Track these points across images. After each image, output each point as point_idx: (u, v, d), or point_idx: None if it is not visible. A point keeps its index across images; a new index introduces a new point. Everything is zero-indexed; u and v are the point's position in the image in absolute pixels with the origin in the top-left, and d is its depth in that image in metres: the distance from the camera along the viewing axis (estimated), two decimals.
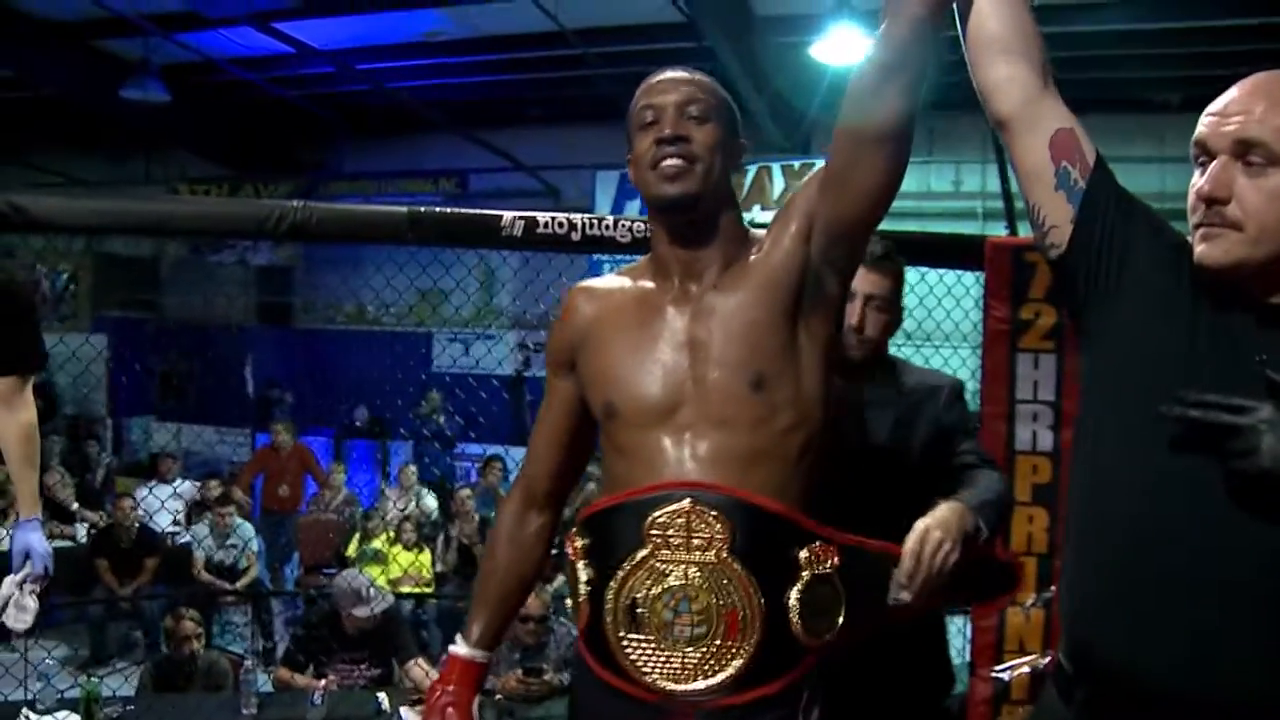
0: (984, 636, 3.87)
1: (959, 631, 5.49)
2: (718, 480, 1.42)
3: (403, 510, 7.45)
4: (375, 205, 3.71)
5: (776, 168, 9.86)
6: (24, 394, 2.50)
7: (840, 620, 1.46)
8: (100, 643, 6.31)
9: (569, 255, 4.91)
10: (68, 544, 7.06)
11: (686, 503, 1.41)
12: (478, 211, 3.34)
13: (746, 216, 8.22)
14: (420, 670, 4.05)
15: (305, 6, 7.96)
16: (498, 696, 4.12)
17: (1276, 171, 1.25)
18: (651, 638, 1.40)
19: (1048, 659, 3.72)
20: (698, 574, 1.39)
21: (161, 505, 7.37)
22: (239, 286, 12.44)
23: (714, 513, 1.40)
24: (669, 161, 1.47)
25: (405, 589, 6.58)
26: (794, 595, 1.41)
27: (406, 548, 6.79)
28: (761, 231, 1.56)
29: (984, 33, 1.44)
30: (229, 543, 6.70)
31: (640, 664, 1.41)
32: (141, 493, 7.34)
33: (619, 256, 3.75)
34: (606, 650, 1.44)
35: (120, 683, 4.86)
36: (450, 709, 1.60)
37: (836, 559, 1.45)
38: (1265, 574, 1.24)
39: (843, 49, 7.81)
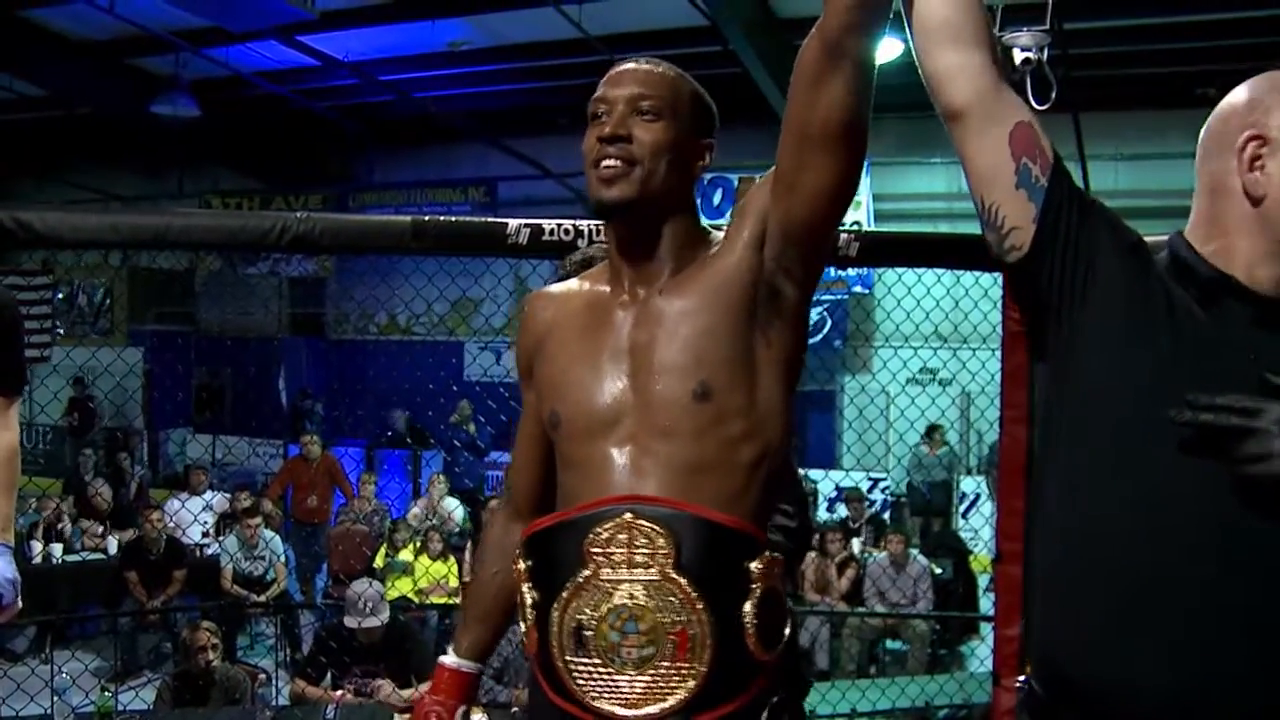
0: (1007, 646, 3.78)
1: (983, 641, 5.42)
2: (660, 493, 1.35)
3: (430, 520, 7.45)
4: (399, 215, 3.70)
5: None
6: (6, 415, 2.44)
7: (788, 630, 1.40)
8: (131, 654, 6.34)
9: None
10: (100, 557, 7.12)
11: (627, 517, 1.33)
12: (482, 220, 3.31)
13: None
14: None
15: (327, 19, 8.01)
16: (514, 710, 4.09)
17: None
18: (598, 661, 1.32)
19: None
20: (643, 592, 1.31)
21: (194, 519, 7.42)
22: (272, 298, 12.56)
23: (655, 527, 1.32)
24: (607, 163, 1.38)
25: (433, 599, 6.57)
26: (748, 609, 1.33)
27: (432, 558, 6.78)
28: (720, 235, 1.48)
29: (932, 17, 1.34)
30: (257, 554, 6.72)
31: (588, 689, 1.34)
32: (172, 505, 7.38)
33: None
34: (555, 675, 1.37)
35: (152, 694, 4.87)
36: (435, 719, 1.56)
37: (779, 569, 1.39)
38: (1260, 580, 1.17)
39: None
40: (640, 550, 1.31)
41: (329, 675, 4.25)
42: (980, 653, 6.82)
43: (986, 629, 7.21)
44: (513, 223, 3.33)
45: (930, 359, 9.49)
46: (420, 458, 10.22)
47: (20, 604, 2.44)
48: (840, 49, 1.28)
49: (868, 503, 8.61)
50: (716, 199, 10.88)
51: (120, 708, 3.42)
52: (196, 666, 4.07)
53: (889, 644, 6.46)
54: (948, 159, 4.30)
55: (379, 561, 6.89)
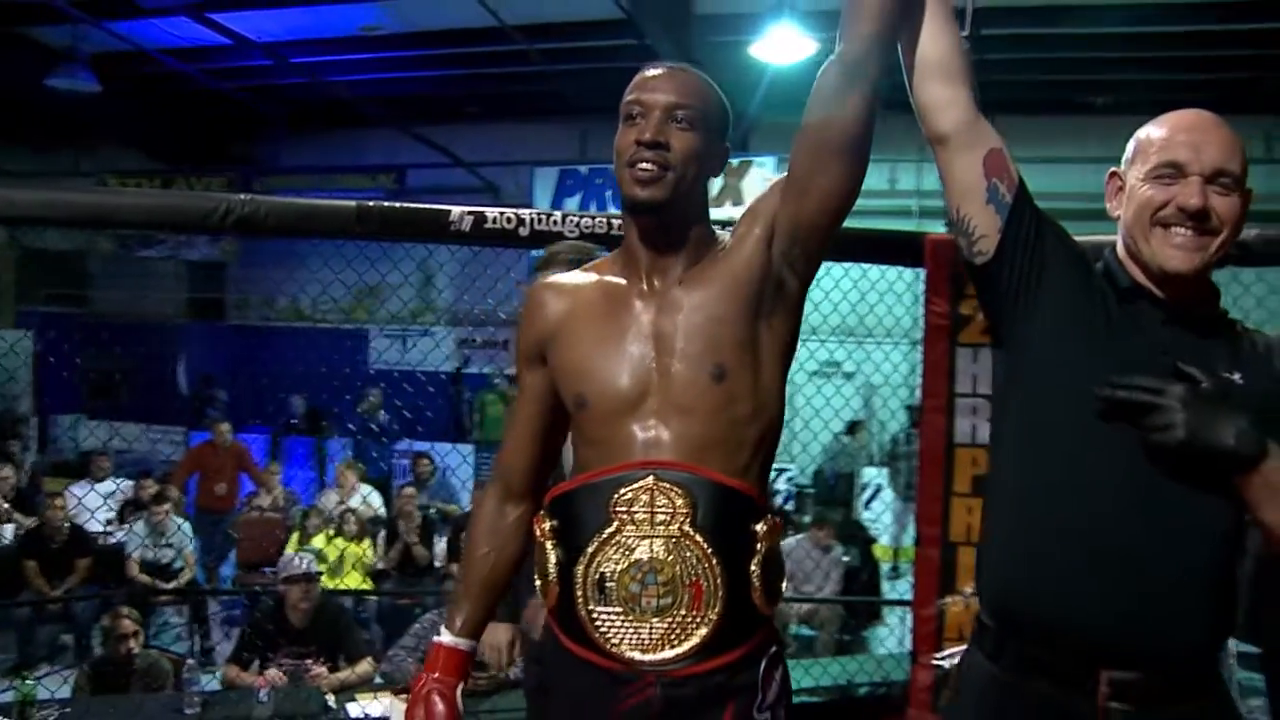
0: (925, 625, 3.95)
1: (900, 621, 5.63)
2: (678, 459, 1.48)
3: (342, 503, 7.39)
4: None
5: None
6: None
7: (783, 589, 1.55)
8: (28, 647, 6.16)
9: (517, 252, 4.93)
10: None
11: (649, 479, 1.46)
12: (426, 206, 3.34)
13: None
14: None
15: None
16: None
17: (1236, 195, 1.46)
18: (620, 610, 1.45)
19: None
20: (662, 548, 1.45)
21: (104, 502, 7.22)
22: (170, 281, 12.23)
23: (676, 489, 1.45)
24: (643, 166, 1.49)
25: (350, 583, 6.55)
26: (754, 566, 1.47)
27: (347, 539, 6.75)
28: (725, 233, 1.61)
29: (927, 57, 1.57)
30: (165, 542, 6.58)
31: (609, 635, 1.46)
32: (76, 491, 7.18)
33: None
34: (577, 624, 1.48)
35: (51, 688, 4.75)
36: (435, 696, 1.63)
37: (778, 532, 1.54)
38: (1183, 535, 1.41)
39: (782, 48, 7.90)
40: (661, 510, 1.45)
41: (257, 662, 4.23)
42: (881, 635, 7.08)
43: (890, 615, 7.48)
44: (456, 210, 3.37)
45: (835, 352, 9.75)
46: (325, 446, 10.10)
47: None
48: (857, 73, 1.47)
49: (773, 492, 8.83)
50: None
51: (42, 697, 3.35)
52: (117, 654, 4.00)
53: (794, 629, 6.63)
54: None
55: (291, 548, 6.81)
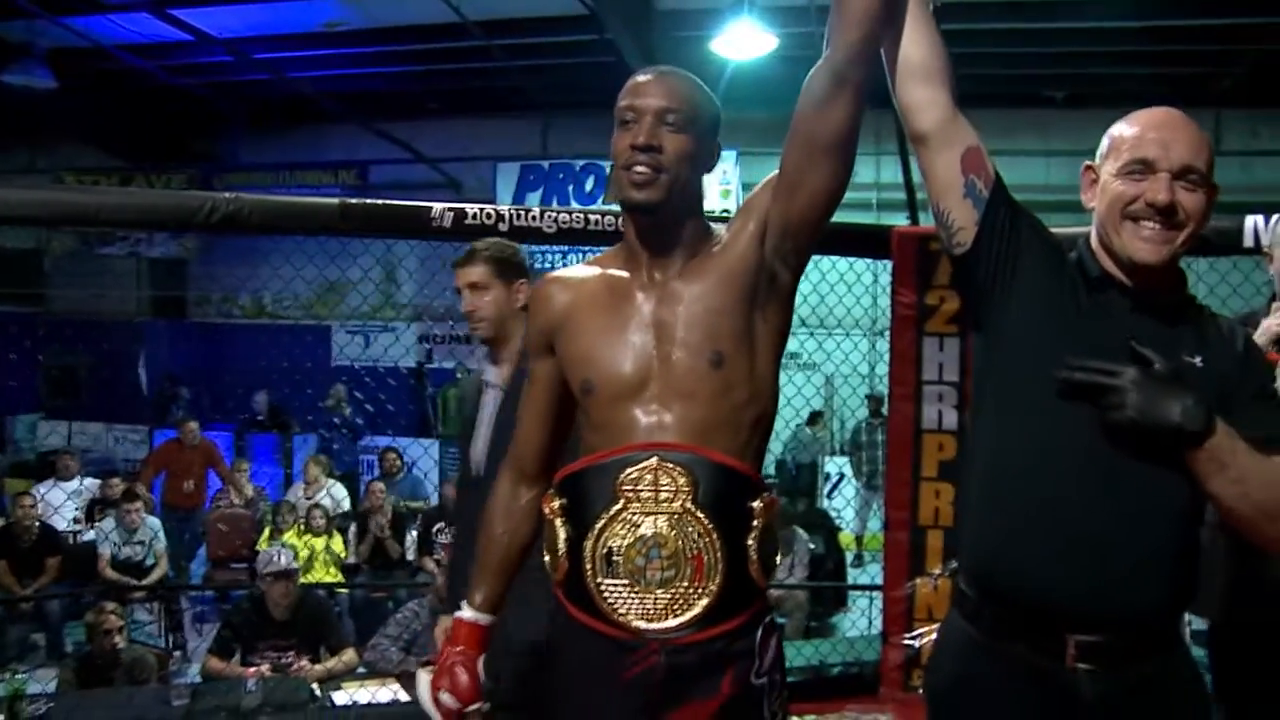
0: (895, 607, 4.09)
1: (867, 608, 5.77)
2: (680, 440, 1.57)
3: (311, 499, 7.42)
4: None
5: None
6: None
7: (778, 563, 1.66)
8: None
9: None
10: None
11: (653, 460, 1.55)
12: (408, 203, 3.42)
13: None
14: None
15: None
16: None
17: (1202, 192, 1.55)
18: (626, 582, 1.55)
19: None
20: (666, 524, 1.54)
21: (67, 501, 7.19)
22: (130, 279, 12.13)
23: (678, 468, 1.55)
24: (638, 169, 1.58)
25: (319, 574, 6.59)
26: (751, 540, 1.57)
27: (316, 534, 6.78)
28: (721, 227, 1.71)
29: (909, 60, 1.65)
30: (136, 539, 6.59)
31: (616, 606, 1.56)
32: (41, 490, 7.14)
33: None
34: (586, 596, 1.58)
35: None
36: (458, 668, 1.73)
37: (774, 509, 1.64)
38: (1142, 508, 1.51)
39: (742, 44, 8.00)
40: (665, 489, 1.55)
41: (238, 654, 4.28)
42: (847, 624, 7.23)
43: (855, 602, 7.64)
44: (437, 206, 3.45)
45: (795, 345, 9.91)
46: (291, 442, 10.10)
47: None
48: (844, 78, 1.55)
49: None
50: (589, 185, 11.05)
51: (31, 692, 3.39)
52: (103, 649, 4.03)
53: None
54: None
55: (263, 544, 6.84)
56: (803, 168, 1.59)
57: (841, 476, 9.96)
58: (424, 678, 1.78)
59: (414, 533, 7.09)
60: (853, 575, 8.35)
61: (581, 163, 10.85)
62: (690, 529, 1.54)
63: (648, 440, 1.58)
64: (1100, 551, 1.50)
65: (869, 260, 4.33)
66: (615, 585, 1.56)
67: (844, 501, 9.65)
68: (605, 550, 1.56)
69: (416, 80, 10.66)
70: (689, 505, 1.55)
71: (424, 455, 9.44)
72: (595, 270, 1.73)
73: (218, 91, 11.09)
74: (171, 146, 12.20)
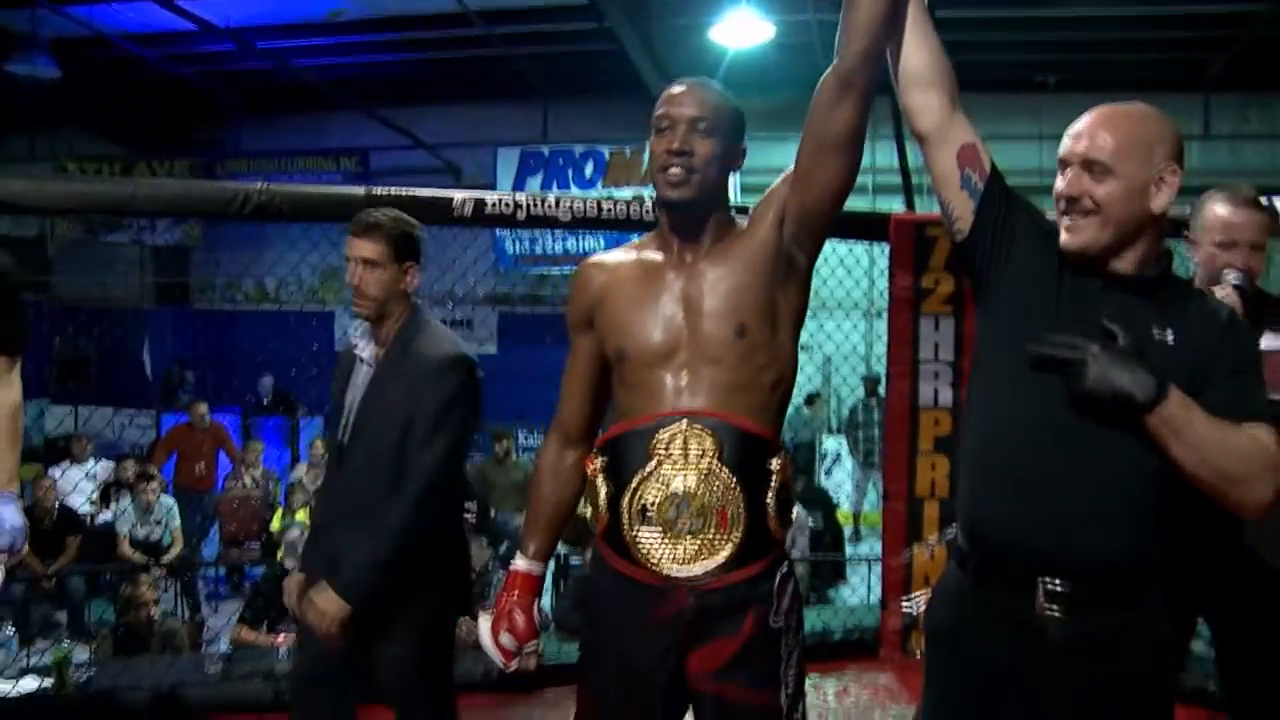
0: (893, 574, 4.28)
1: (863, 579, 5.97)
2: (708, 407, 1.76)
3: (317, 479, 7.58)
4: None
5: None
6: (10, 375, 2.62)
7: (792, 516, 1.85)
8: (24, 625, 6.30)
9: (473, 233, 5.10)
10: None
11: (683, 424, 1.75)
12: (431, 193, 3.57)
13: (646, 192, 8.49)
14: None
15: None
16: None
17: (1112, 179, 1.68)
18: (659, 531, 1.75)
19: None
20: (695, 480, 1.74)
21: (80, 482, 7.36)
22: (134, 266, 12.25)
23: (705, 431, 1.75)
24: (673, 170, 1.79)
25: None
26: (769, 497, 1.77)
27: None
28: (742, 218, 1.91)
29: (909, 67, 1.82)
30: (152, 519, 6.76)
31: (650, 554, 1.76)
32: (56, 473, 7.31)
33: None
34: (624, 545, 1.78)
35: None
36: (515, 612, 1.95)
37: (789, 468, 1.84)
38: (1103, 471, 1.66)
39: (740, 31, 8.16)
40: (694, 449, 1.75)
41: (265, 623, 4.45)
42: (845, 595, 7.44)
43: (853, 574, 7.85)
44: (458, 196, 3.61)
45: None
46: (298, 424, 10.25)
47: (26, 548, 2.65)
48: (851, 82, 1.75)
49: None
50: (589, 170, 11.18)
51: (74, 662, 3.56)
52: (139, 620, 4.20)
53: None
54: None
55: (275, 525, 7.01)
56: (814, 163, 1.78)
57: (839, 455, 10.16)
58: (484, 622, 1.97)
59: None
60: (850, 550, 8.56)
61: (581, 148, 10.98)
62: (716, 485, 1.74)
63: (677, 405, 1.77)
64: (1063, 505, 1.65)
65: (866, 244, 4.49)
66: (649, 535, 1.76)
67: (841, 479, 9.86)
68: (641, 504, 1.76)
69: (417, 67, 10.77)
70: (715, 464, 1.74)
71: None
72: (631, 254, 1.93)
73: (219, 79, 11.20)
74: (173, 134, 12.30)
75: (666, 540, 1.75)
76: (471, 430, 2.55)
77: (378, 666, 2.49)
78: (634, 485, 1.77)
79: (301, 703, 2.57)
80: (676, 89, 1.85)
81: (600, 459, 1.84)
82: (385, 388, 2.48)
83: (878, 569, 4.83)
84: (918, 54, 1.83)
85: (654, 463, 1.75)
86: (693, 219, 1.84)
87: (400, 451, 2.41)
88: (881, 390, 9.30)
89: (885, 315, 4.38)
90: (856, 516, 9.57)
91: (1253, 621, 2.41)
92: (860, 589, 7.15)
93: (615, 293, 1.88)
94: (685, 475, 1.74)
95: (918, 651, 4.24)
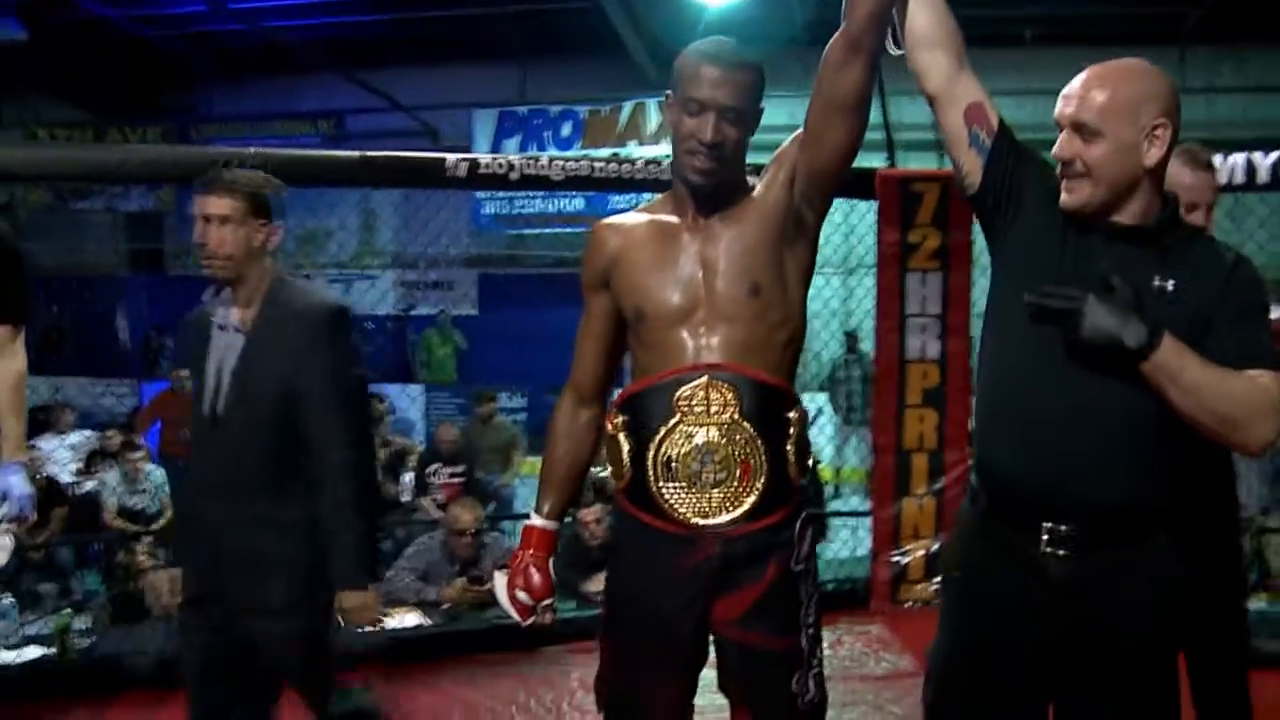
0: (883, 526, 4.36)
1: (851, 534, 6.05)
2: (727, 361, 1.82)
3: None
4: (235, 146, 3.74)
5: (652, 105, 10.19)
6: (14, 344, 2.64)
7: (809, 464, 1.91)
8: (18, 595, 6.29)
9: (445, 193, 5.03)
10: None
11: (704, 379, 1.81)
12: (425, 155, 3.60)
13: (624, 151, 8.46)
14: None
15: None
16: (444, 606, 4.44)
17: (1102, 140, 1.71)
18: (684, 484, 1.80)
19: (939, 543, 4.24)
20: (717, 433, 1.80)
21: (63, 452, 7.33)
22: (107, 233, 12.12)
23: (726, 385, 1.80)
24: (701, 158, 1.81)
25: None
26: (789, 446, 1.84)
27: None
28: (753, 179, 1.95)
29: (915, 29, 1.87)
30: (139, 488, 6.75)
31: (676, 505, 1.81)
32: (41, 444, 7.27)
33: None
34: (648, 498, 1.83)
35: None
36: (531, 568, 1.98)
37: (805, 419, 1.89)
38: (1102, 416, 1.72)
39: None
40: (715, 403, 1.81)
41: None
42: (829, 553, 7.52)
43: (835, 532, 7.93)
44: (451, 157, 3.62)
45: None
46: None
47: (35, 516, 2.66)
48: (859, 45, 1.79)
49: None
50: (566, 130, 11.12)
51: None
52: (137, 589, 4.21)
53: None
54: (790, 93, 4.66)
55: None
56: (823, 124, 1.83)
57: (820, 412, 10.23)
58: (500, 579, 2.01)
59: (409, 475, 7.32)
60: (831, 506, 8.63)
61: (558, 109, 10.90)
62: (738, 437, 1.80)
63: (696, 360, 1.82)
64: (1063, 449, 1.72)
65: (844, 202, 4.52)
66: (675, 488, 1.81)
67: (822, 437, 9.93)
68: (665, 458, 1.81)
69: (393, 28, 10.65)
70: (736, 416, 1.80)
71: (410, 404, 9.62)
72: (645, 217, 1.96)
73: (190, 41, 11.03)
74: (143, 99, 12.12)
75: (692, 493, 1.80)
76: (364, 385, 2.51)
77: (262, 645, 2.38)
78: (658, 440, 1.81)
79: (206, 697, 2.44)
80: (712, 70, 1.81)
81: (621, 416, 1.88)
82: (264, 352, 2.37)
83: (863, 524, 4.91)
84: (923, 14, 1.87)
85: (677, 417, 1.80)
86: (712, 192, 1.88)
87: (287, 418, 2.31)
88: (862, 347, 9.47)
89: (859, 272, 4.43)
90: (838, 473, 9.66)
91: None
92: (843, 545, 7.23)
93: (632, 254, 1.92)
94: (708, 429, 1.79)
95: (907, 602, 4.33)
